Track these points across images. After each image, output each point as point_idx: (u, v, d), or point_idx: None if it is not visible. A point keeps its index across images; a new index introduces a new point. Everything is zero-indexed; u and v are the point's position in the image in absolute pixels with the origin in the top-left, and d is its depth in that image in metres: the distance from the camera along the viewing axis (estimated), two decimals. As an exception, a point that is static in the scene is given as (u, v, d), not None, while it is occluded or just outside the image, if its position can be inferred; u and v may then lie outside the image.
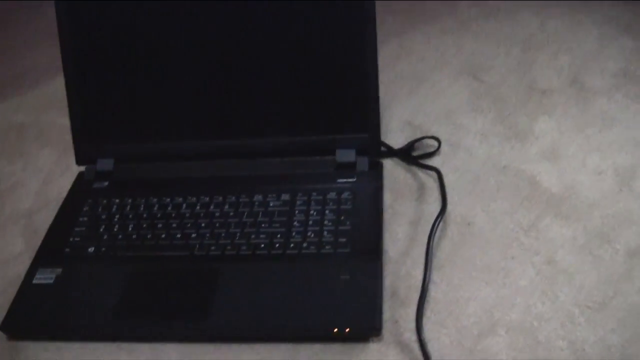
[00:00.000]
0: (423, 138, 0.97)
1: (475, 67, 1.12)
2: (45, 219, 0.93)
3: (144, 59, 0.91)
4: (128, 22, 0.90)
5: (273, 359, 0.72)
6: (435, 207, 0.87)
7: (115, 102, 0.93)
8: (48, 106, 1.17)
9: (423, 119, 1.02)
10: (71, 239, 0.85)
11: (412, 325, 0.73)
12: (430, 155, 0.95)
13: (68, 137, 1.08)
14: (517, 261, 0.79)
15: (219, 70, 0.90)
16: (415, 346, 0.71)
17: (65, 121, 1.10)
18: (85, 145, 0.94)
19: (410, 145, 0.96)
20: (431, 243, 0.79)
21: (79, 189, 0.93)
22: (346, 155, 0.89)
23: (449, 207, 0.87)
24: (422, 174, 0.93)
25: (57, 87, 1.20)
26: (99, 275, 0.80)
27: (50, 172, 1.02)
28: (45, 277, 0.80)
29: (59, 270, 0.81)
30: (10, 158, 1.06)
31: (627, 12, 1.21)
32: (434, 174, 0.92)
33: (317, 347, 0.72)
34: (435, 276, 0.78)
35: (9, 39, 1.41)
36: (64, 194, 0.96)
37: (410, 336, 0.72)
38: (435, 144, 0.96)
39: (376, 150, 0.90)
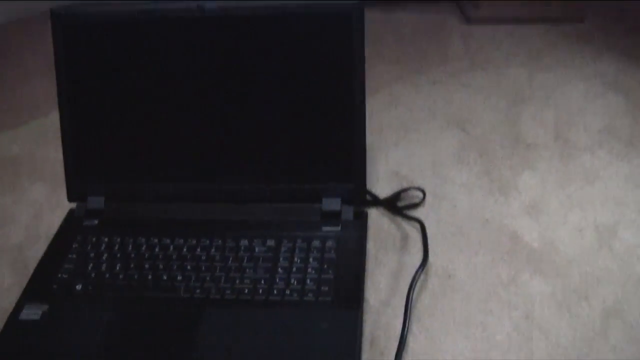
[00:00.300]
0: (409, 189, 0.99)
1: (463, 119, 1.15)
2: (36, 254, 0.94)
3: (137, 101, 0.93)
4: (124, 64, 0.92)
5: (251, 405, 0.73)
6: (418, 258, 0.88)
7: (107, 141, 0.94)
8: (43, 140, 1.19)
9: (409, 169, 1.04)
10: (59, 275, 0.86)
11: (390, 377, 0.74)
12: (415, 206, 0.97)
13: (61, 172, 1.09)
14: (496, 315, 0.81)
15: (210, 115, 0.92)
16: (392, 398, 0.72)
17: (59, 156, 1.12)
18: (76, 182, 0.96)
19: (396, 196, 0.98)
20: (411, 294, 0.81)
21: (70, 226, 0.94)
22: (332, 204, 0.91)
23: (431, 258, 0.88)
24: (406, 224, 0.95)
25: (53, 121, 1.22)
26: (85, 314, 0.81)
27: (41, 207, 1.04)
28: (31, 312, 0.81)
29: (46, 306, 0.82)
30: (2, 191, 1.07)
31: (613, 69, 1.25)
32: (417, 225, 0.94)
33: (294, 396, 0.73)
34: (414, 327, 0.80)
35: (6, 70, 1.43)
36: (55, 229, 0.98)
37: (387, 388, 0.74)
38: (421, 195, 0.98)
39: (361, 200, 0.92)
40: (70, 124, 0.94)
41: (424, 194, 0.98)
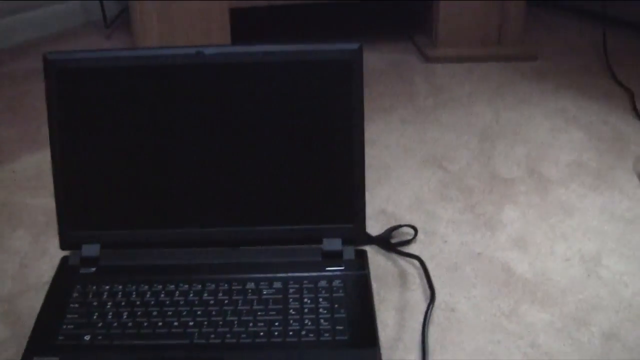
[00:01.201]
0: (400, 226, 1.02)
1: (439, 157, 1.19)
2: (28, 304, 0.92)
3: (132, 147, 0.92)
4: (119, 109, 0.91)
5: None
6: (419, 294, 0.91)
7: (102, 188, 0.93)
8: (16, 186, 1.16)
9: (395, 207, 1.08)
10: (64, 327, 0.84)
11: (413, 411, 0.76)
12: (408, 242, 1.00)
13: (41, 219, 1.08)
14: (503, 345, 0.84)
15: (209, 160, 0.92)
16: None
17: (36, 202, 1.10)
18: (70, 230, 0.94)
19: (389, 233, 1.01)
20: (426, 330, 0.83)
21: (65, 275, 0.92)
22: (333, 244, 0.93)
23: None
24: (401, 261, 0.97)
25: (23, 166, 1.21)
26: (96, 365, 0.80)
27: (26, 256, 1.01)
28: (40, 367, 0.79)
29: (56, 359, 0.80)
30: (-18, 241, 1.04)
31: (571, 105, 1.33)
32: (413, 261, 0.96)
33: None
34: (429, 361, 0.82)
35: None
36: (45, 278, 0.96)
37: (412, 422, 0.75)
38: (411, 231, 1.01)
39: (362, 240, 0.94)
40: (63, 171, 0.93)
41: (416, 231, 1.01)
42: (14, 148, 1.26)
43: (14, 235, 1.05)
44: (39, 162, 1.22)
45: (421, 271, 0.95)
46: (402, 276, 0.95)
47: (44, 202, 1.11)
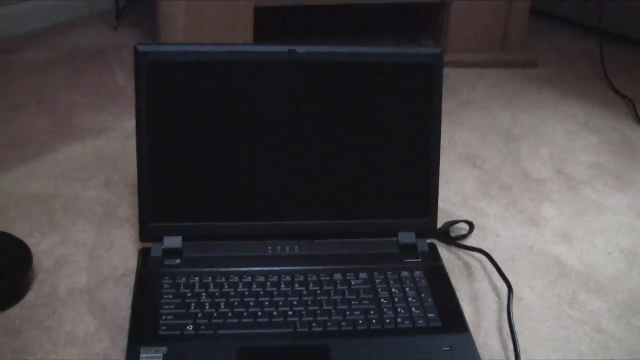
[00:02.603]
0: (457, 222, 1.08)
1: (472, 157, 1.27)
2: (109, 295, 0.93)
3: (216, 141, 0.95)
4: (206, 104, 0.94)
5: None
6: (486, 285, 0.98)
7: (185, 181, 0.95)
8: (63, 177, 1.15)
9: (444, 204, 1.14)
10: (164, 318, 0.86)
11: (508, 391, 0.83)
12: (464, 237, 1.07)
13: (99, 210, 1.09)
14: (572, 331, 0.92)
15: (291, 155, 0.96)
16: (519, 411, 0.81)
17: (90, 194, 1.11)
18: (152, 222, 0.95)
19: (447, 228, 1.07)
20: (512, 318, 0.90)
21: (150, 266, 0.93)
22: (408, 238, 0.99)
23: (497, 283, 0.98)
24: (462, 254, 1.04)
25: (66, 157, 1.20)
26: (210, 353, 0.82)
27: (95, 249, 1.01)
28: (151, 356, 0.81)
29: (164, 349, 0.82)
30: (43, 232, 1.03)
31: (580, 111, 1.43)
32: (474, 254, 1.03)
33: (434, 415, 0.80)
34: (509, 344, 0.89)
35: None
36: (120, 270, 0.97)
37: (510, 401, 0.82)
38: (466, 227, 1.08)
39: (434, 234, 1.00)
40: (148, 164, 0.94)
41: (472, 227, 1.08)
42: (50, 139, 1.25)
43: (75, 227, 1.05)
44: (81, 154, 1.21)
45: (484, 264, 1.02)
46: (467, 268, 1.01)
47: (97, 194, 1.12)
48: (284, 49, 0.94)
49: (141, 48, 0.92)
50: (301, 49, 0.94)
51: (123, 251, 1.01)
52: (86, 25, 1.70)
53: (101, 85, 1.44)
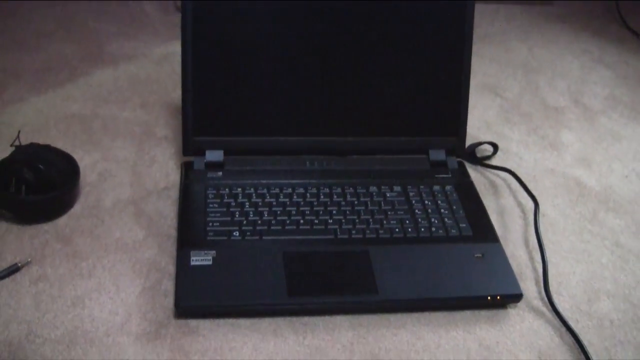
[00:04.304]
0: (481, 143, 1.13)
1: (493, 86, 1.31)
2: (154, 207, 0.97)
3: (255, 60, 0.99)
4: (244, 29, 0.97)
5: (433, 324, 0.84)
6: (511, 201, 1.03)
7: (225, 98, 0.99)
8: (99, 99, 1.18)
9: (469, 128, 1.17)
10: (210, 224, 0.90)
11: (536, 294, 0.88)
12: (489, 158, 1.12)
13: (137, 130, 1.12)
14: (593, 245, 0.97)
15: (324, 73, 1.00)
16: (546, 310, 0.86)
17: (127, 115, 1.15)
18: (195, 136, 0.99)
19: (473, 149, 1.11)
20: (539, 231, 0.95)
21: (194, 178, 0.98)
22: (438, 155, 1.03)
23: (521, 200, 1.03)
24: (488, 173, 1.09)
25: (100, 81, 1.23)
26: (255, 256, 0.86)
27: (135, 164, 1.05)
28: (201, 259, 0.86)
29: (213, 252, 0.86)
30: (85, 148, 1.07)
31: (594, 47, 1.47)
32: (499, 173, 1.08)
33: (468, 314, 0.85)
34: (535, 256, 0.94)
35: (19, 29, 1.38)
36: (162, 184, 1.01)
37: (538, 303, 0.87)
38: (490, 148, 1.13)
39: (462, 152, 1.05)
40: (192, 82, 0.98)
41: (496, 148, 1.12)
42: (82, 65, 1.27)
43: (115, 145, 1.09)
44: (114, 78, 1.24)
45: (509, 182, 1.07)
46: (493, 186, 1.06)
47: (134, 115, 1.15)
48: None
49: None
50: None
51: (163, 166, 1.05)
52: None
53: (129, 14, 1.46)
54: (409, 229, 0.92)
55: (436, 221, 0.93)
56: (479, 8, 1.58)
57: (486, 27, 1.51)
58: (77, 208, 0.97)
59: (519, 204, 1.03)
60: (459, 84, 1.02)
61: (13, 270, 0.86)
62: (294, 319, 0.83)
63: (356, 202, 0.95)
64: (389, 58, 1.00)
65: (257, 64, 0.99)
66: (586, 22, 1.59)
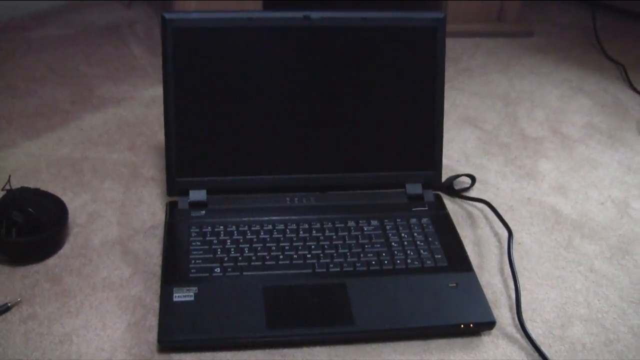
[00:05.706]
0: (459, 176, 1.16)
1: (473, 119, 1.34)
2: (140, 246, 1.00)
3: (237, 101, 1.03)
4: (227, 67, 1.01)
5: (409, 352, 0.86)
6: (488, 231, 1.06)
7: (208, 139, 1.03)
8: (89, 142, 1.22)
9: (447, 160, 1.22)
10: (193, 262, 0.93)
11: (510, 321, 0.91)
12: (467, 189, 1.15)
13: (125, 171, 1.16)
14: (567, 271, 1.00)
15: (307, 113, 1.04)
16: (519, 337, 0.89)
17: (115, 156, 1.19)
18: (178, 177, 1.03)
19: (450, 182, 1.15)
20: (512, 259, 0.98)
21: (178, 217, 1.01)
22: (415, 189, 1.07)
23: (498, 230, 1.06)
24: (465, 204, 1.12)
25: (90, 124, 1.28)
26: (235, 291, 0.90)
27: (123, 205, 1.09)
28: (184, 295, 0.89)
29: (195, 288, 0.90)
30: (75, 190, 1.11)
31: (574, 76, 1.51)
32: (476, 204, 1.11)
33: (443, 342, 0.88)
34: (509, 283, 0.97)
35: (11, 74, 1.43)
36: (149, 223, 1.05)
37: (511, 330, 0.90)
38: (468, 180, 1.16)
39: (439, 185, 1.08)
40: (173, 123, 1.02)
41: (473, 180, 1.15)
42: (73, 109, 1.32)
43: (104, 186, 1.12)
44: (104, 121, 1.29)
45: (486, 213, 1.10)
46: (470, 217, 1.09)
47: (122, 156, 1.19)
48: (299, 14, 1.01)
49: (167, 16, 0.99)
50: (315, 15, 1.01)
51: (150, 206, 1.08)
52: (98, 3, 1.77)
53: (118, 58, 1.51)
54: (385, 261, 0.95)
55: (412, 253, 0.96)
56: (461, 42, 1.64)
57: (467, 61, 1.56)
58: (66, 248, 1.01)
59: (495, 234, 1.06)
60: (432, 119, 1.05)
61: (3, 310, 0.89)
62: (274, 351, 0.86)
63: (334, 237, 0.98)
64: (364, 97, 1.04)
65: (237, 106, 1.03)
66: (566, 52, 1.64)
